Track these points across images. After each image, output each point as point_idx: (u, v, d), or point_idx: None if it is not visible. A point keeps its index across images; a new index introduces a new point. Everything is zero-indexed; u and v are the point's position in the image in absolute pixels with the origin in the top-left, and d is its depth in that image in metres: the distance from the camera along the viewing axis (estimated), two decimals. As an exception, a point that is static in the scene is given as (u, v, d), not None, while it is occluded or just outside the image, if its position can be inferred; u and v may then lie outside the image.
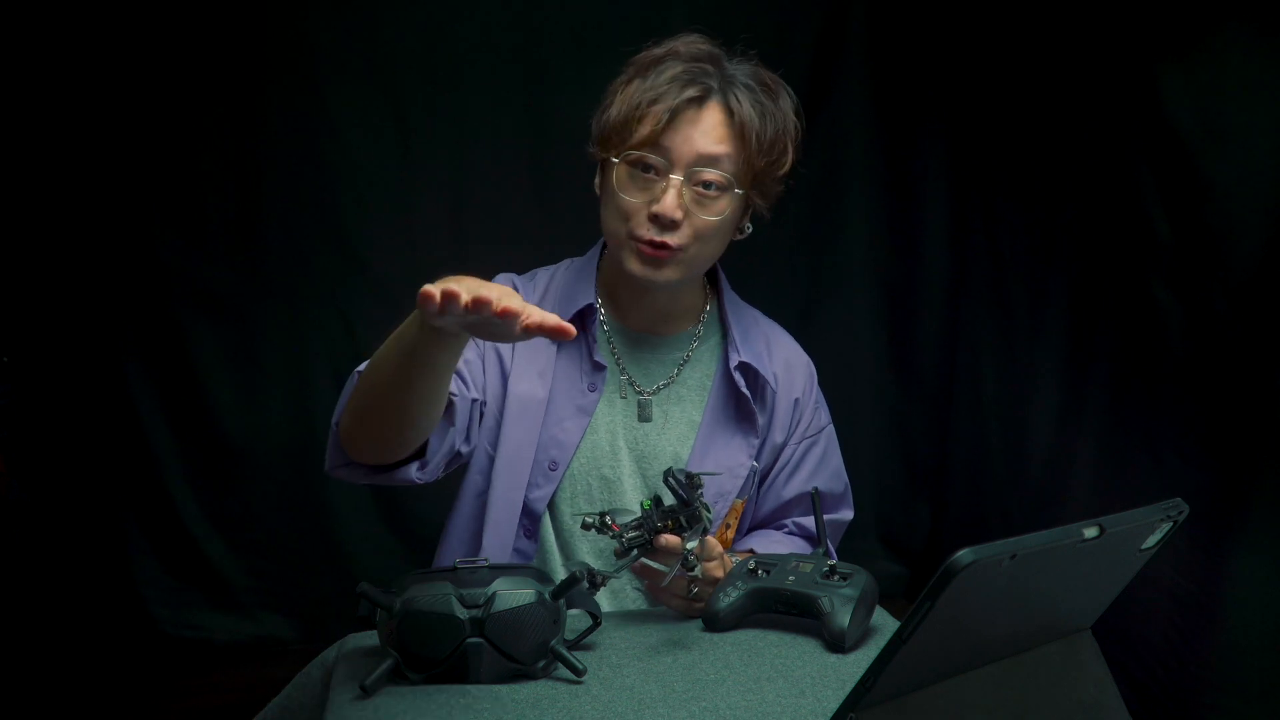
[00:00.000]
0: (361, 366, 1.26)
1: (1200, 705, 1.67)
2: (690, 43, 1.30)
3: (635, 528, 1.12)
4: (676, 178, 1.24)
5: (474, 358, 1.35)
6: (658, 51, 1.29)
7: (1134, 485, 1.84)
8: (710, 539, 1.18)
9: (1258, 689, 1.60)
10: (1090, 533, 0.71)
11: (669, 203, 1.24)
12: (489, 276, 1.51)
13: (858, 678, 0.67)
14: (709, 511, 1.11)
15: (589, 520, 1.13)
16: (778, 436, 1.41)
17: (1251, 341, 1.61)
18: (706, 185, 1.26)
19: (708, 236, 1.28)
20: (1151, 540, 0.81)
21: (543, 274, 1.44)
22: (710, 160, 1.25)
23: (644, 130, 1.25)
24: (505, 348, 1.36)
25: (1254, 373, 1.60)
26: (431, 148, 2.49)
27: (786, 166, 1.31)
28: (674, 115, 1.24)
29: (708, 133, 1.25)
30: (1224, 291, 1.66)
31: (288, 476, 2.52)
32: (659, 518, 1.12)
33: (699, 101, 1.25)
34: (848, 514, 1.51)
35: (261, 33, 2.40)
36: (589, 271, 1.40)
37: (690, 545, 1.08)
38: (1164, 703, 1.74)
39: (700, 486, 1.12)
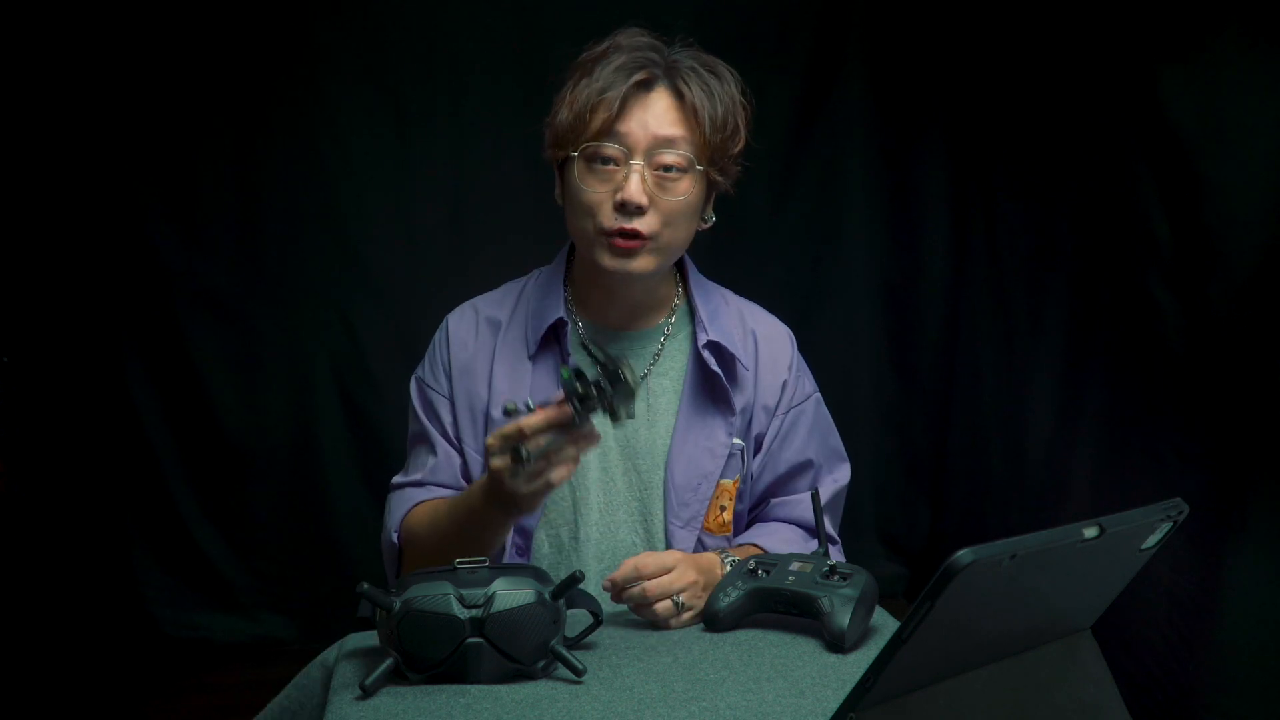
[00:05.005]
0: (400, 478, 1.37)
1: (1199, 705, 1.67)
2: (631, 35, 1.32)
3: (560, 402, 1.11)
4: (637, 163, 1.26)
5: (446, 445, 1.38)
6: (599, 49, 1.32)
7: (1134, 485, 1.84)
8: (644, 557, 1.18)
9: (1257, 689, 1.60)
10: (1090, 533, 0.71)
11: (633, 188, 1.25)
12: (486, 276, 1.51)
13: (858, 678, 0.67)
14: (633, 372, 1.10)
15: (509, 406, 1.12)
16: (766, 406, 1.41)
17: (1251, 341, 1.61)
18: (667, 168, 1.27)
19: (675, 220, 1.29)
20: (1151, 540, 0.81)
21: (511, 290, 1.44)
22: (667, 143, 1.27)
23: (598, 121, 1.27)
24: (470, 399, 1.38)
25: (1253, 373, 1.60)
26: (431, 148, 2.49)
27: (740, 144, 1.33)
28: (625, 102, 1.27)
29: (660, 116, 1.27)
30: (1224, 291, 1.66)
31: (288, 476, 2.52)
32: (581, 387, 1.10)
33: (647, 86, 1.28)
34: (844, 476, 1.50)
35: (262, 33, 2.40)
36: (556, 281, 1.40)
37: (621, 411, 1.10)
38: (1164, 703, 1.74)
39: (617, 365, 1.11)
